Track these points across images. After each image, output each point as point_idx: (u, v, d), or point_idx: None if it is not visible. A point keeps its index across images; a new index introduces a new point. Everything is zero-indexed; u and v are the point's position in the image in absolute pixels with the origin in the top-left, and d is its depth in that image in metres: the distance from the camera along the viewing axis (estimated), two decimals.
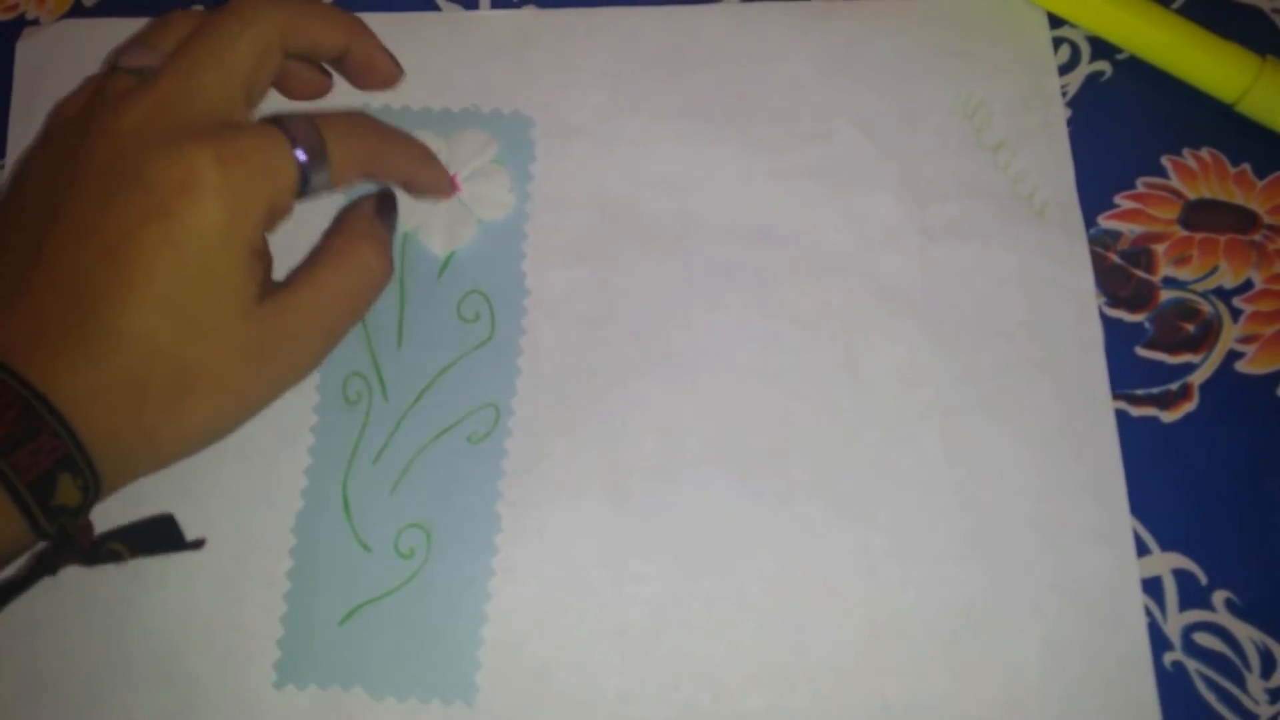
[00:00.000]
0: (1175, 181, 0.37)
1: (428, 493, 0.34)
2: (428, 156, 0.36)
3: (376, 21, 0.39)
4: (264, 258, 0.31)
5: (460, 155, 0.38)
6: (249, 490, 0.35)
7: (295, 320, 0.31)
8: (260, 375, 0.30)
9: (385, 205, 0.34)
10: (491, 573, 0.33)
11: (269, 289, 0.31)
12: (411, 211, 0.37)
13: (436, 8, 0.40)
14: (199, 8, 0.40)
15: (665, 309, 0.36)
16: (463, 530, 0.34)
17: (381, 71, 0.35)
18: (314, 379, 0.36)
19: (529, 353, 0.36)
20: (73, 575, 0.33)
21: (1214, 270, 0.36)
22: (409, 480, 0.34)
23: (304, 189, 0.31)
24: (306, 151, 0.30)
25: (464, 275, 0.37)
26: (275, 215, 0.31)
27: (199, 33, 0.31)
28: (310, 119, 0.31)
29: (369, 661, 0.33)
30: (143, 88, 0.30)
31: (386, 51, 0.35)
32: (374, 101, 0.39)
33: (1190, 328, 0.36)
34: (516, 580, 0.33)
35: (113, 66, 0.32)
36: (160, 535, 0.33)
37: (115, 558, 0.31)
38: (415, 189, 0.36)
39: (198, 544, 0.33)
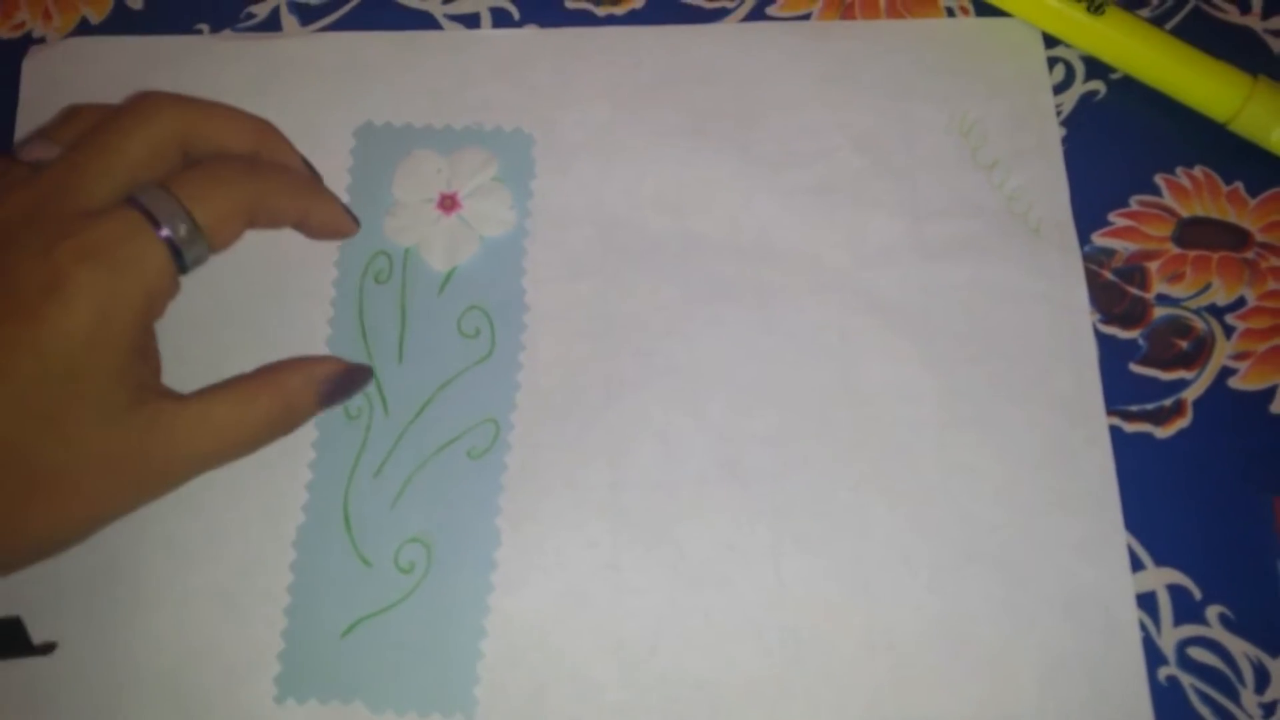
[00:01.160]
0: (1169, 199, 0.38)
1: (428, 507, 0.34)
2: (316, 194, 0.34)
3: (379, 41, 0.40)
4: (147, 356, 0.30)
5: (461, 173, 0.38)
6: (250, 505, 0.35)
7: (168, 437, 0.29)
8: (119, 485, 0.29)
9: (339, 384, 0.33)
10: (491, 587, 0.34)
11: (152, 393, 0.30)
12: (413, 227, 0.38)
13: (439, 26, 0.41)
14: (204, 27, 0.41)
15: (664, 325, 0.37)
16: (462, 545, 0.34)
17: (333, 227, 0.35)
18: None
19: (529, 368, 0.36)
20: (74, 592, 0.34)
21: (1207, 287, 0.37)
22: (409, 495, 0.35)
23: (183, 266, 0.30)
24: (171, 227, 0.29)
25: (465, 291, 0.37)
26: (155, 304, 0.30)
27: (96, 128, 0.30)
28: (166, 187, 0.30)
29: (369, 675, 0.33)
30: (28, 181, 0.29)
31: (337, 206, 0.35)
32: (376, 119, 0.39)
33: (1184, 344, 0.36)
34: (515, 594, 0.34)
35: (12, 159, 0.31)
36: (4, 639, 0.32)
37: None
38: (310, 232, 0.35)
39: (48, 648, 0.32)
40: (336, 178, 0.38)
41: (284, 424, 0.32)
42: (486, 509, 0.34)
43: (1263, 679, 0.32)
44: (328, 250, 0.38)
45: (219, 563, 0.34)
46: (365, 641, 0.33)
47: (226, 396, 0.31)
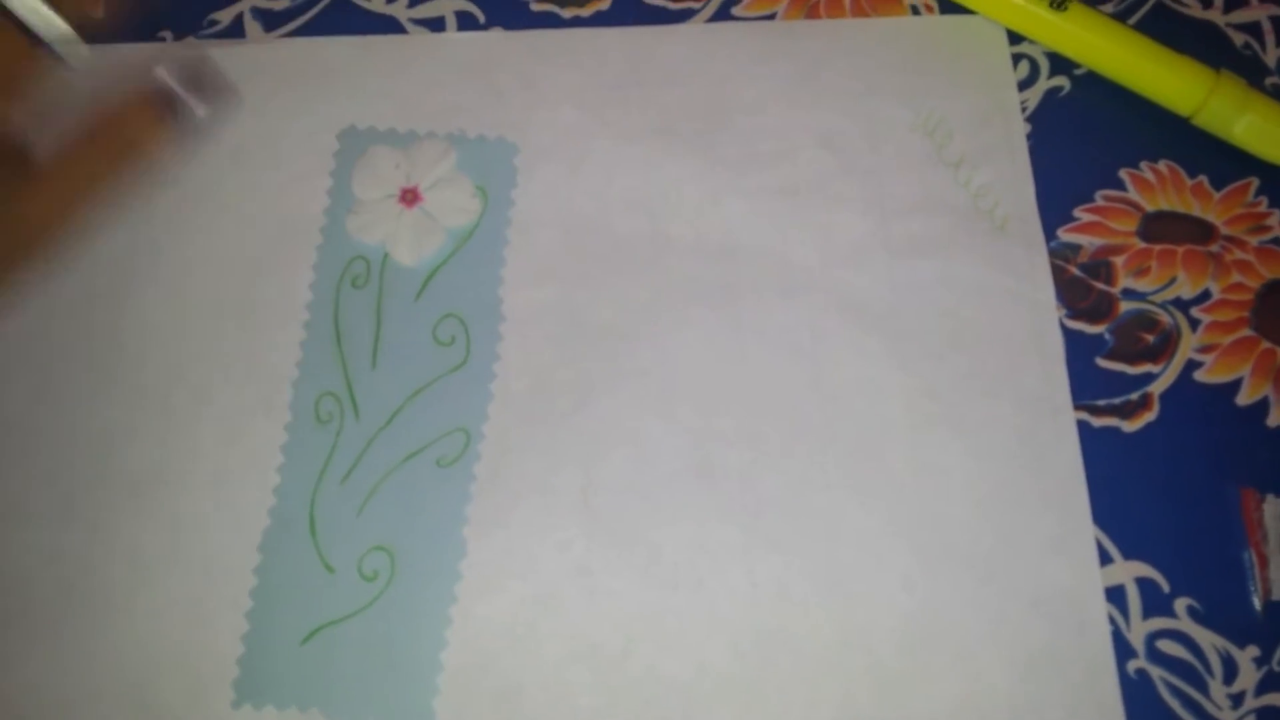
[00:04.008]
0: (1134, 194, 0.38)
1: (394, 515, 0.34)
2: None
3: (346, 45, 0.40)
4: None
5: (420, 166, 0.38)
6: (217, 507, 0.35)
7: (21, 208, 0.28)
8: None
9: (181, 88, 0.29)
10: (454, 598, 0.33)
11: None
12: (376, 224, 0.37)
13: (404, 31, 0.41)
14: (167, 34, 0.40)
15: (633, 328, 0.37)
16: (427, 554, 0.34)
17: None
18: (286, 397, 0.36)
19: (502, 378, 0.36)
20: (42, 605, 0.34)
21: (1172, 281, 0.37)
22: (376, 502, 0.34)
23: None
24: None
25: (442, 298, 0.37)
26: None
27: None
28: None
29: (327, 683, 0.33)
30: None
31: None
32: (359, 124, 0.39)
33: (1150, 338, 0.36)
34: (480, 604, 0.34)
35: None
36: None
37: None
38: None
39: None
40: (319, 181, 0.38)
41: (135, 156, 0.29)
42: (453, 518, 0.34)
43: (1231, 670, 0.33)
44: (305, 253, 0.38)
45: (183, 567, 0.34)
46: (325, 649, 0.33)
47: (68, 149, 0.29)
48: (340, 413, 0.35)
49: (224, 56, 0.39)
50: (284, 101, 0.39)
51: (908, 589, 0.34)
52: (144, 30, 0.40)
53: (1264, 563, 0.33)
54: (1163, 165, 0.38)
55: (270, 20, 0.41)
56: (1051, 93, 0.39)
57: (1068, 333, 0.36)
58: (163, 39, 0.40)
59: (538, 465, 0.35)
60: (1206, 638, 0.33)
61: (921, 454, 0.35)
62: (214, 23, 0.41)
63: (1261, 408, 0.35)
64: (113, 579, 0.34)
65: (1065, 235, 0.37)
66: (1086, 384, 0.36)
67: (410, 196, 0.38)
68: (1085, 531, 0.34)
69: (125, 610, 0.34)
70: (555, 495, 0.35)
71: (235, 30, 0.41)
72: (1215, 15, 0.40)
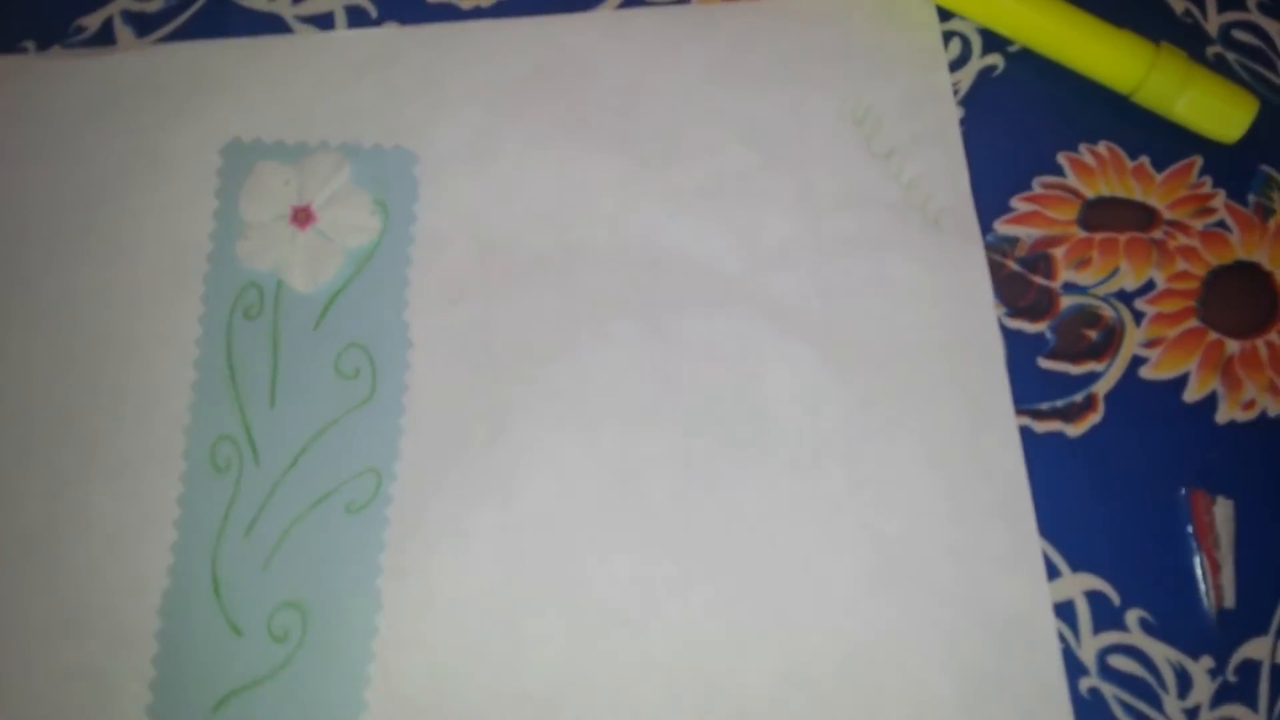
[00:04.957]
0: (1073, 180, 0.36)
1: (303, 568, 0.32)
2: None
3: (227, 49, 0.37)
4: None
5: (312, 182, 0.35)
6: (112, 569, 0.32)
7: None
8: None
9: None
10: (372, 655, 0.31)
11: None
12: (267, 249, 0.35)
13: (290, 30, 0.37)
14: (30, 44, 0.37)
15: (549, 348, 0.34)
16: (341, 609, 0.32)
17: None
18: (180, 445, 0.33)
19: (412, 412, 0.33)
20: None
21: (1115, 272, 0.35)
22: (283, 555, 0.32)
23: None
24: None
25: (343, 326, 0.34)
26: None
27: None
28: None
29: None
30: None
31: None
32: (244, 136, 0.36)
33: (1093, 335, 0.34)
34: (400, 660, 0.31)
35: None
36: None
37: None
38: None
39: None
40: (203, 202, 0.36)
41: None
42: (367, 569, 0.32)
43: (1185, 683, 0.31)
44: (193, 283, 0.35)
45: (79, 635, 0.32)
46: (238, 717, 0.31)
47: None
48: (239, 458, 0.33)
49: (94, 68, 0.37)
50: (161, 115, 0.36)
51: (850, 615, 0.32)
52: (4, 41, 0.37)
53: (1216, 568, 0.32)
54: (1102, 147, 0.36)
55: (142, 25, 0.37)
56: (985, 73, 0.37)
57: (1007, 332, 0.34)
58: (24, 50, 0.37)
59: (455, 504, 0.33)
60: (1160, 651, 0.32)
61: (858, 469, 0.33)
62: (80, 29, 0.37)
63: (1210, 404, 0.34)
64: (3, 648, 0.32)
65: (1002, 228, 0.35)
66: (1028, 387, 0.34)
67: (303, 216, 0.35)
68: (1032, 545, 0.32)
69: (21, 682, 0.31)
70: (475, 536, 0.32)
71: (105, 37, 0.37)
72: None
